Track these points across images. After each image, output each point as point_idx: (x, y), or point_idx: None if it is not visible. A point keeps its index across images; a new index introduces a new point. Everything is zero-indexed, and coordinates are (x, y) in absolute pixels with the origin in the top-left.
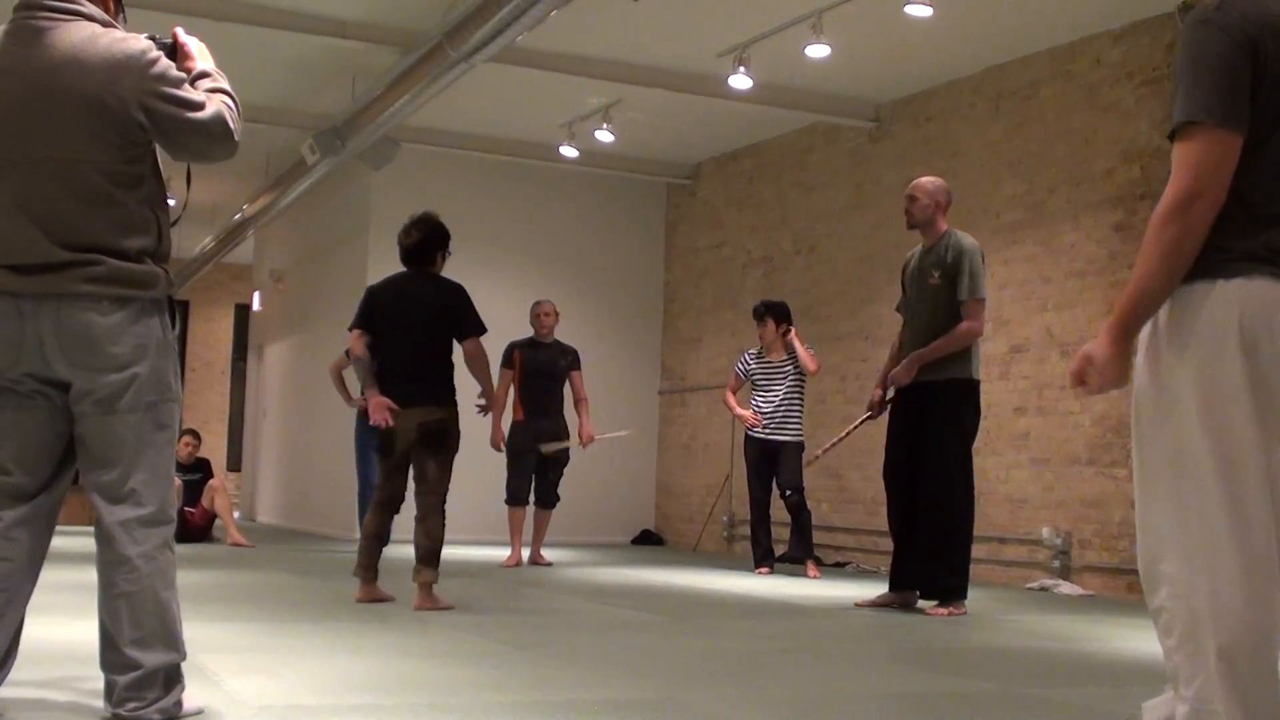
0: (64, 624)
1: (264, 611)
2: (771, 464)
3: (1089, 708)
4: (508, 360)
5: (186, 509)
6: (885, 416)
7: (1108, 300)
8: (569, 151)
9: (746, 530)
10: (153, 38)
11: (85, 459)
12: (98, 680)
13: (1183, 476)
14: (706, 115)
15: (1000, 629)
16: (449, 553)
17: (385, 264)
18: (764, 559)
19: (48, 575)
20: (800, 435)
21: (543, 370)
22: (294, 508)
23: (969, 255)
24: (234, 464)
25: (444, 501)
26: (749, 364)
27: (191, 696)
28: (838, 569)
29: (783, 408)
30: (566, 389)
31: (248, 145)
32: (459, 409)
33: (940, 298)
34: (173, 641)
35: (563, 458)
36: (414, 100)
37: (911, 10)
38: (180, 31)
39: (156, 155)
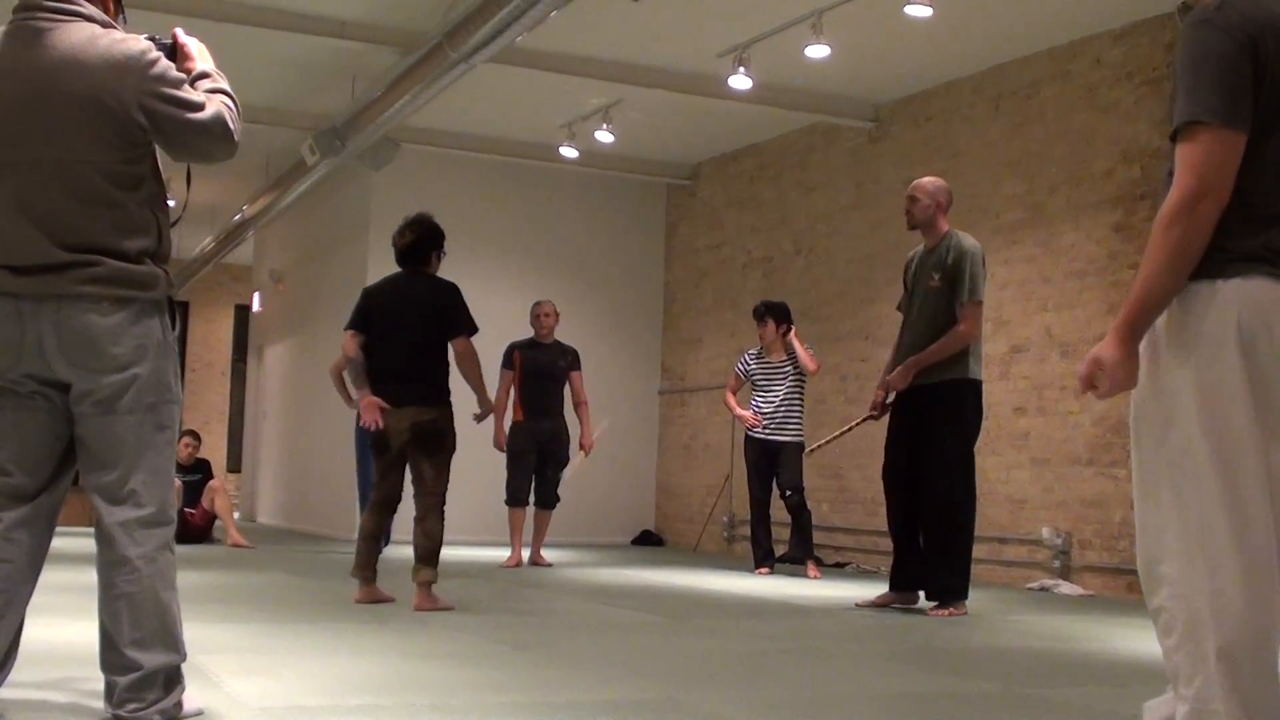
0: (64, 625)
1: (264, 612)
2: (772, 464)
3: (1089, 707)
4: (508, 361)
5: (186, 510)
6: (886, 417)
7: (1108, 300)
8: (569, 152)
9: (747, 531)
10: (152, 38)
11: (85, 460)
12: (98, 681)
13: (1182, 476)
14: (706, 115)
15: (1000, 629)
16: (449, 553)
17: (385, 265)
18: (764, 559)
19: (48, 576)
20: (800, 435)
21: (543, 371)
22: (294, 508)
23: (969, 257)
24: (234, 465)
25: (443, 502)
26: (749, 364)
27: (192, 697)
28: (838, 569)
29: (783, 408)
30: (567, 389)
31: (247, 146)
32: (453, 409)
33: (939, 300)
34: (173, 642)
35: (564, 459)
36: (414, 101)
37: (911, 10)
38: (180, 32)
39: (156, 156)
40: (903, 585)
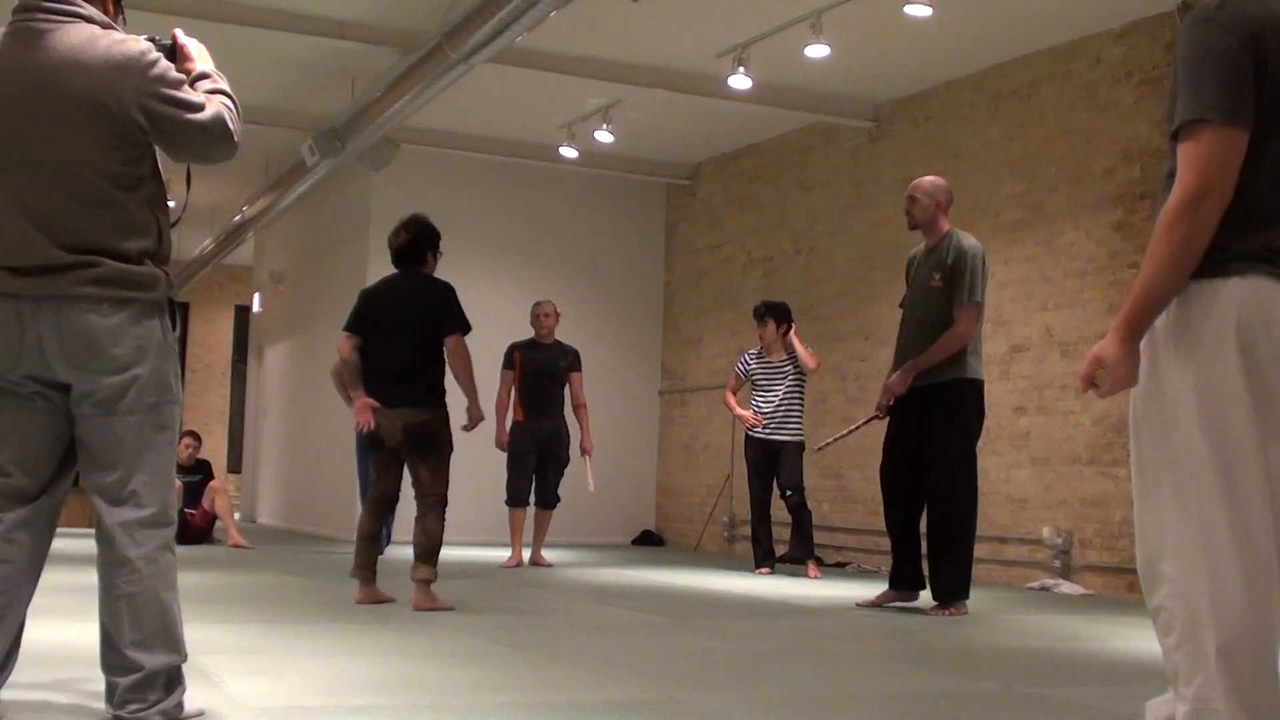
0: (65, 626)
1: (264, 613)
2: (772, 464)
3: (1090, 707)
4: (509, 361)
5: (187, 510)
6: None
7: (1108, 300)
8: (569, 152)
9: (747, 530)
10: (152, 39)
11: (86, 461)
12: (99, 682)
13: (1182, 476)
14: (706, 115)
15: (1001, 629)
16: (449, 554)
17: (385, 265)
18: (765, 559)
19: (48, 577)
20: (801, 435)
21: (543, 371)
22: (294, 509)
23: (969, 258)
24: (234, 465)
25: (442, 502)
26: (749, 364)
27: (192, 698)
28: (838, 569)
29: (783, 407)
30: (567, 389)
31: (247, 146)
32: (449, 410)
33: (940, 299)
34: (174, 643)
35: (564, 459)
36: (413, 101)
37: (911, 10)
38: (179, 33)
39: (156, 157)
40: (902, 584)
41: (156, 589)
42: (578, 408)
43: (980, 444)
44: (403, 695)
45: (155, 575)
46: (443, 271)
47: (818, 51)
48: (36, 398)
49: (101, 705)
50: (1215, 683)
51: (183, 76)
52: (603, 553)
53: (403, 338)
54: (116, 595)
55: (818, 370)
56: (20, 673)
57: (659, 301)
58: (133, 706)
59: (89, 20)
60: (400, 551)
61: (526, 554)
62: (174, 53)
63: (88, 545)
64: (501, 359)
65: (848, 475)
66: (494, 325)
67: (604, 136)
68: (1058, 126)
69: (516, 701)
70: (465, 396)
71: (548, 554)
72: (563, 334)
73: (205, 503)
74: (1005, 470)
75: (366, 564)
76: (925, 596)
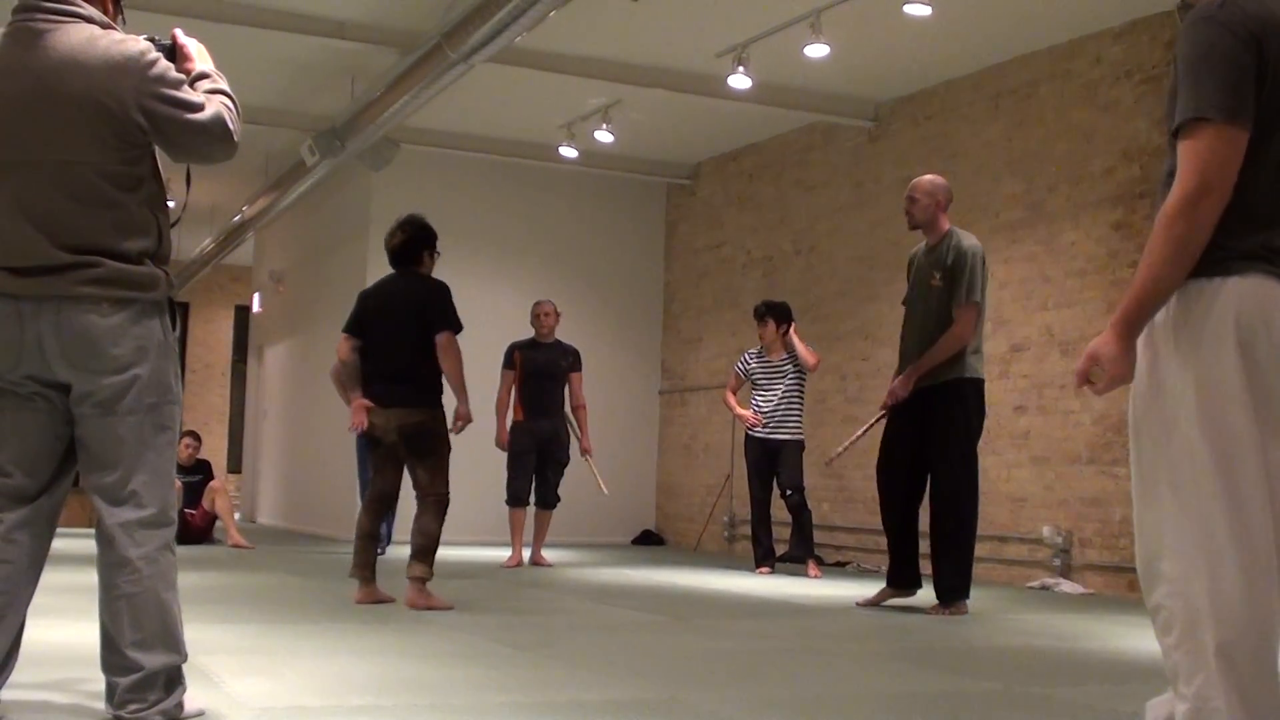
0: (65, 626)
1: (264, 613)
2: (772, 463)
3: (1090, 706)
4: (509, 361)
5: (187, 511)
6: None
7: (1108, 299)
8: (568, 152)
9: (747, 530)
10: (152, 39)
11: (86, 461)
12: (99, 682)
13: (1181, 474)
14: (706, 115)
15: (1001, 628)
16: (450, 553)
17: (385, 265)
18: (765, 559)
19: (48, 577)
20: (800, 434)
21: (543, 371)
22: (294, 509)
23: (968, 258)
24: (234, 465)
25: (441, 502)
26: (749, 364)
27: (193, 698)
28: (838, 569)
29: (782, 407)
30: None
31: (247, 146)
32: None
33: (941, 298)
34: (174, 643)
35: (564, 459)
36: (413, 101)
37: (910, 9)
38: (179, 33)
39: (156, 157)
40: (899, 582)
41: (157, 589)
42: (577, 408)
43: (981, 443)
44: (403, 695)
45: (155, 575)
46: (442, 271)
47: (817, 51)
48: (36, 398)
49: (101, 705)
50: (1215, 681)
51: (182, 76)
52: (603, 552)
53: (397, 338)
54: (117, 595)
55: (817, 367)
56: (20, 673)
57: (659, 301)
58: (133, 706)
59: (88, 20)
60: (401, 551)
61: (526, 554)
62: (173, 53)
63: (88, 545)
64: (501, 359)
65: (848, 475)
66: (494, 325)
67: (604, 136)
68: (1057, 126)
69: (516, 701)
70: (454, 393)
71: (548, 554)
72: (563, 334)
73: (205, 503)
74: (1005, 470)
75: (365, 563)
76: (923, 595)
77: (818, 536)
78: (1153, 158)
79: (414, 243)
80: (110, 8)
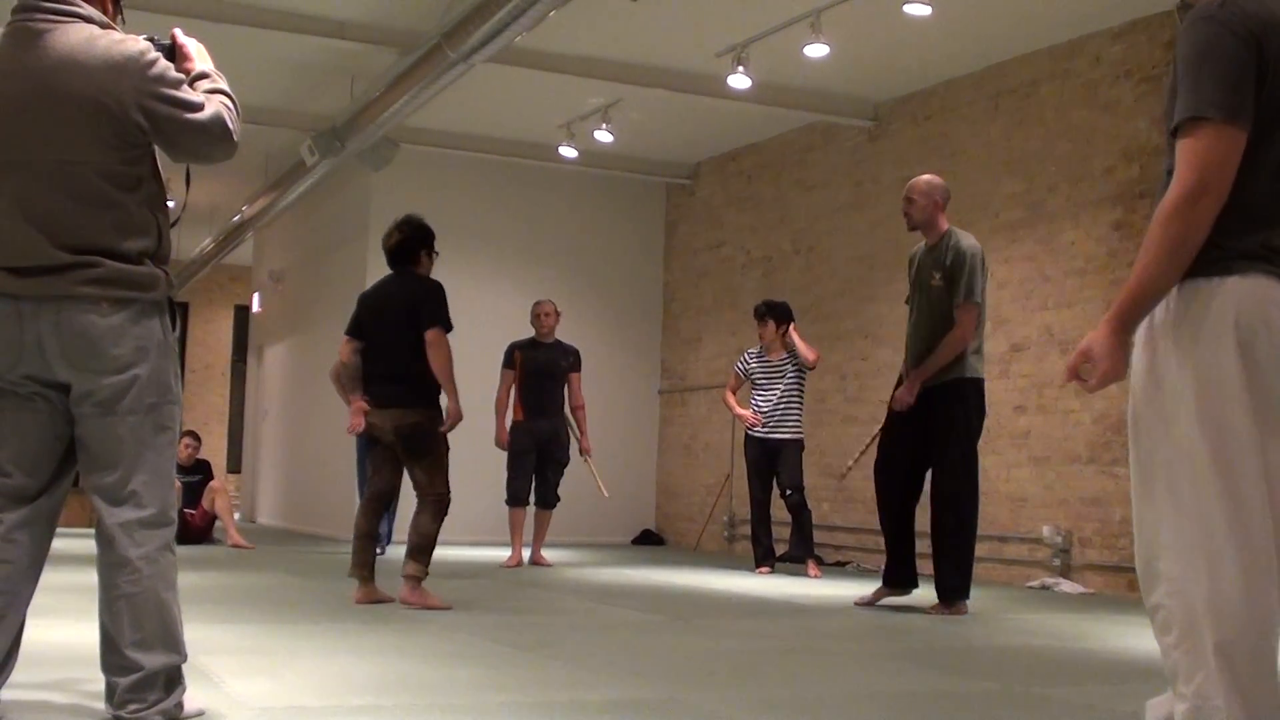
0: (65, 626)
1: (264, 613)
2: (772, 463)
3: (1090, 706)
4: (509, 361)
5: (186, 511)
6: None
7: (1107, 299)
8: (568, 152)
9: (747, 530)
10: (151, 39)
11: (86, 461)
12: (98, 682)
13: (1180, 474)
14: (705, 115)
15: (1001, 627)
16: (449, 553)
17: (384, 265)
18: (764, 558)
19: (48, 577)
20: (800, 433)
21: (543, 370)
22: (294, 509)
23: (967, 258)
24: (234, 465)
25: (440, 501)
26: (749, 363)
27: (192, 698)
28: (838, 568)
29: (781, 406)
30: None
31: (246, 146)
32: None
33: (940, 300)
34: (173, 643)
35: (564, 459)
36: (413, 101)
37: (910, 9)
38: (179, 33)
39: (156, 157)
40: (895, 582)
41: (156, 589)
42: (576, 409)
43: (981, 443)
44: (403, 695)
45: (155, 575)
46: (442, 271)
47: (817, 51)
48: (36, 398)
49: (101, 705)
50: (1214, 680)
51: (182, 76)
52: (603, 552)
53: (392, 338)
54: (116, 595)
55: (817, 364)
56: (20, 673)
57: (658, 301)
58: (133, 706)
59: (88, 20)
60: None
61: (526, 554)
62: (173, 52)
63: (88, 545)
64: (501, 358)
65: (848, 474)
66: (494, 325)
67: (603, 136)
68: (1057, 125)
69: (516, 701)
70: (445, 394)
71: (548, 554)
72: (562, 333)
73: (205, 503)
74: (1005, 469)
75: (364, 563)
76: (923, 595)
77: (817, 536)
78: (1152, 157)
79: (410, 242)
80: (110, 7)
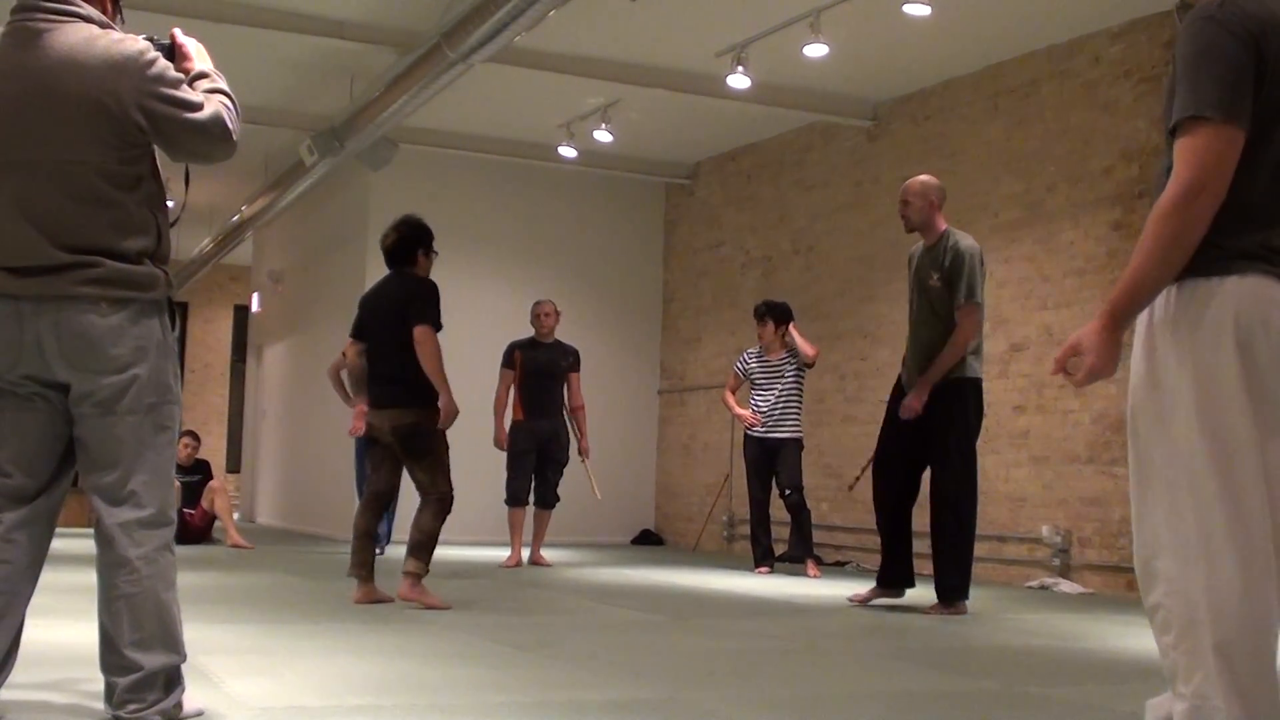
0: (64, 626)
1: (264, 613)
2: (771, 462)
3: (1089, 705)
4: (509, 360)
5: (186, 511)
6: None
7: (1106, 299)
8: (567, 152)
9: (746, 530)
10: (150, 39)
11: (85, 461)
12: (98, 682)
13: (1179, 473)
14: (705, 115)
15: (1000, 627)
16: (449, 553)
17: (384, 265)
18: (764, 558)
19: (47, 577)
20: (799, 432)
21: (543, 370)
22: (293, 509)
23: (966, 258)
24: (233, 465)
25: (444, 500)
26: (748, 363)
27: (192, 698)
28: (838, 568)
29: (780, 405)
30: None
31: (246, 146)
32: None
33: (939, 300)
34: (173, 643)
35: (564, 459)
36: (412, 101)
37: (910, 9)
38: (178, 32)
39: (155, 156)
40: (889, 582)
41: (156, 589)
42: (576, 409)
43: (980, 443)
44: (403, 695)
45: (155, 575)
46: (441, 271)
47: (816, 51)
48: (36, 398)
49: (101, 705)
50: (1213, 680)
51: (181, 76)
52: (602, 552)
53: (388, 339)
54: (116, 595)
55: (816, 359)
56: (20, 673)
57: (658, 301)
58: (132, 706)
59: (87, 20)
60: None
61: (526, 554)
62: (172, 52)
63: (88, 545)
64: (500, 358)
65: (847, 474)
66: (493, 325)
67: (603, 136)
68: (1056, 125)
69: (516, 701)
70: (438, 391)
71: (547, 554)
72: (561, 333)
73: (204, 503)
74: (1004, 469)
75: (363, 563)
76: (923, 595)
77: (817, 536)
78: (1152, 157)
79: (406, 242)
80: (109, 7)
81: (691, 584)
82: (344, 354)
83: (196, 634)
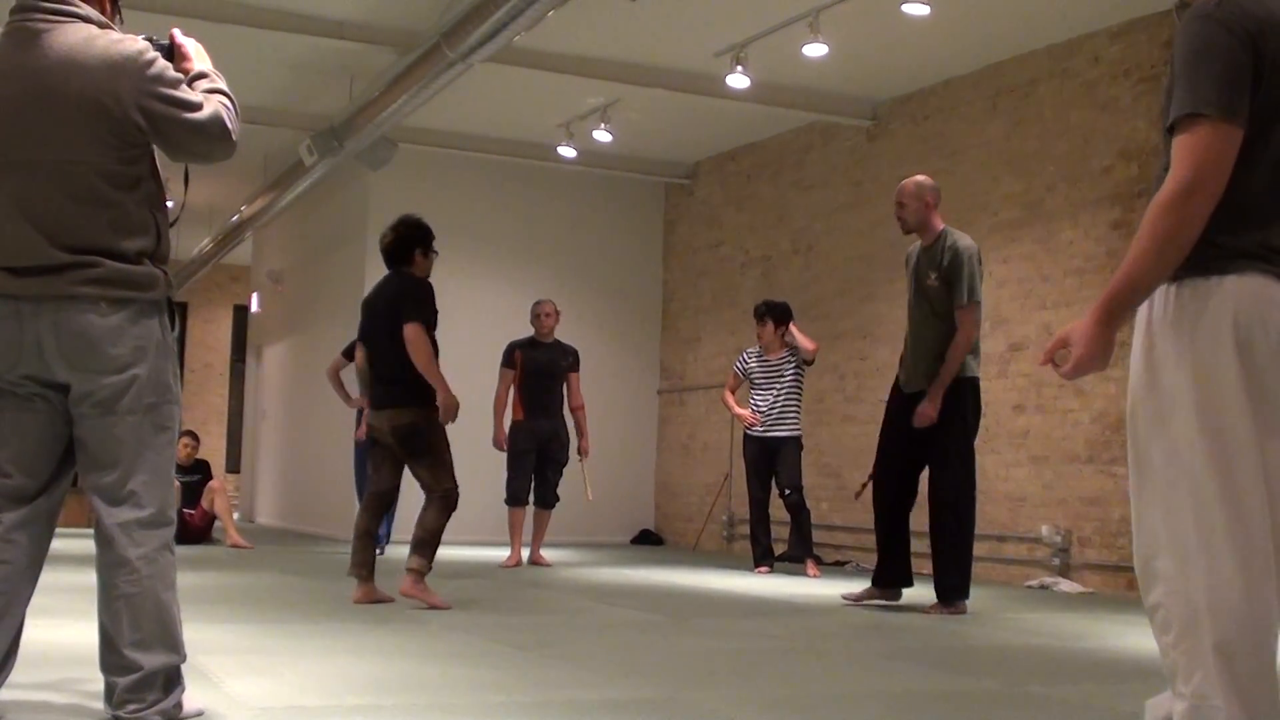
0: (64, 626)
1: (264, 613)
2: (771, 462)
3: (1089, 705)
4: (509, 360)
5: (185, 511)
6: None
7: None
8: (567, 151)
9: (746, 529)
10: (150, 39)
11: (85, 461)
12: (97, 682)
13: (1179, 473)
14: (704, 115)
15: (1000, 627)
16: (449, 553)
17: (383, 265)
18: (763, 558)
19: (47, 577)
20: (798, 431)
21: (543, 370)
22: (293, 509)
23: (964, 258)
24: (233, 465)
25: (448, 497)
26: (747, 363)
27: (191, 698)
28: (837, 568)
29: (779, 404)
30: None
31: (245, 146)
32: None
33: (938, 300)
34: (173, 643)
35: (563, 459)
36: (412, 101)
37: (909, 9)
38: (177, 32)
39: (154, 156)
40: (885, 582)
41: (155, 589)
42: (575, 409)
43: (979, 442)
44: (403, 695)
45: (154, 575)
46: (440, 271)
47: (816, 50)
48: (35, 398)
49: (101, 705)
50: (1213, 680)
51: (181, 76)
52: (602, 552)
53: (383, 339)
54: (116, 595)
55: (816, 354)
56: (20, 673)
57: (657, 301)
58: (131, 706)
59: (86, 20)
60: (400, 551)
61: (526, 554)
62: (172, 52)
63: (88, 545)
64: (500, 357)
65: (847, 474)
66: (492, 324)
67: (602, 136)
68: (1056, 125)
69: (516, 701)
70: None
71: (547, 553)
72: (561, 333)
73: (204, 503)
74: (1004, 469)
75: (363, 562)
76: (923, 595)
77: (816, 536)
78: (1151, 157)
79: (404, 242)
80: (108, 7)
81: (691, 584)
82: (343, 354)
83: (196, 634)
